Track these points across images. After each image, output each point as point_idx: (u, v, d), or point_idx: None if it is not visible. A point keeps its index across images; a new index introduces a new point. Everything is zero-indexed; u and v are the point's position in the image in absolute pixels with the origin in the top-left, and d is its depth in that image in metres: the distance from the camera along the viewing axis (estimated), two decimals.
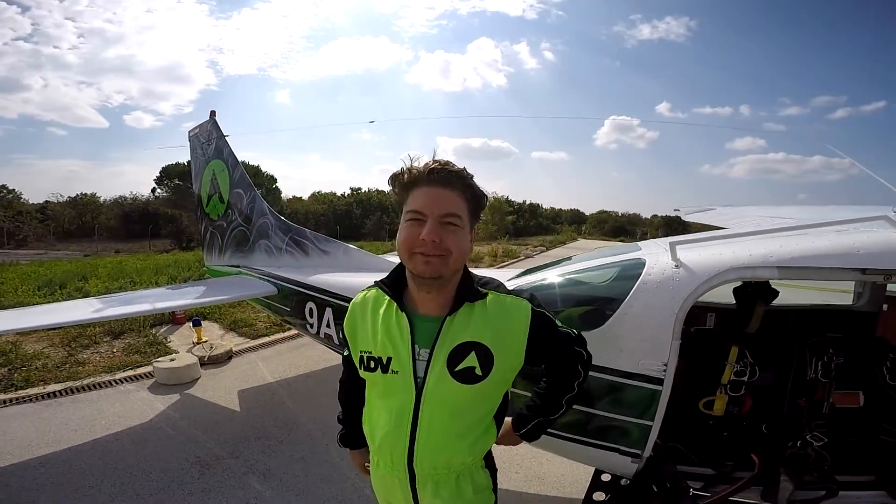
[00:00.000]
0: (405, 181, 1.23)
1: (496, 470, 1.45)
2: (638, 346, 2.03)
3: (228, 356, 6.02)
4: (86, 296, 8.55)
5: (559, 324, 1.42)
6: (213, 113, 5.78)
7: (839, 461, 2.27)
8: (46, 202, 38.07)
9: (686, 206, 6.42)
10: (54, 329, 6.50)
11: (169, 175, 30.70)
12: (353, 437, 1.61)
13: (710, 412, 2.55)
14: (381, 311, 1.35)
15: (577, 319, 2.28)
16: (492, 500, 1.43)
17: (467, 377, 1.26)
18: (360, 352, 1.36)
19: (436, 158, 1.23)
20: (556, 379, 1.50)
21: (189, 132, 6.18)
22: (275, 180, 36.66)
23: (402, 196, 1.25)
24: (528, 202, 51.71)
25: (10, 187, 37.89)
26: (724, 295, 2.71)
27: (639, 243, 2.74)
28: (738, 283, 2.71)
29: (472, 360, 1.26)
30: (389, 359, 1.29)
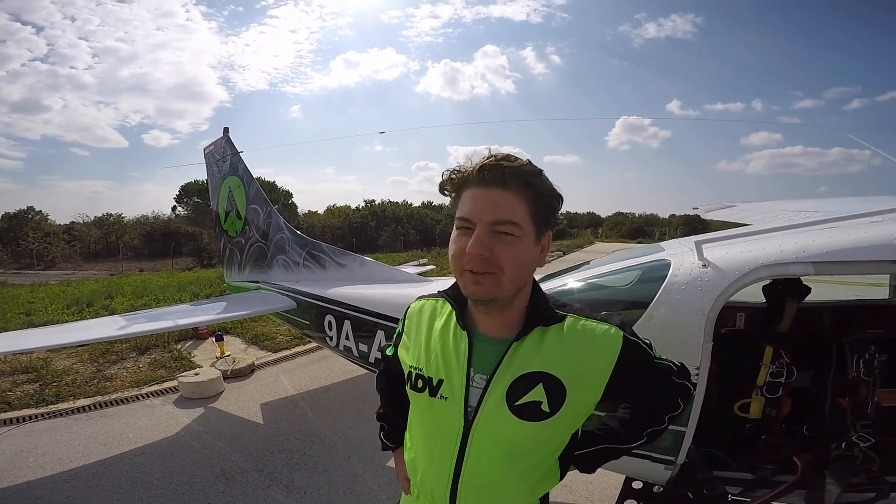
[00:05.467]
0: (456, 182, 1.06)
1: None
2: (667, 350, 1.94)
3: (251, 369, 6.07)
4: (112, 313, 8.76)
5: (656, 355, 1.19)
6: (226, 130, 5.87)
7: (888, 462, 2.16)
8: (73, 223, 39.14)
9: (704, 203, 6.31)
10: (83, 346, 6.66)
11: (188, 193, 31.37)
12: (397, 432, 1.41)
13: (746, 415, 2.45)
14: (439, 325, 1.19)
15: None
16: None
17: (531, 413, 1.06)
18: (410, 367, 1.20)
19: (493, 153, 1.04)
20: (645, 410, 1.28)
21: (204, 149, 6.28)
22: (290, 195, 37.13)
23: (454, 201, 1.08)
24: None
25: (38, 209, 39.24)
26: (750, 294, 2.63)
27: (661, 244, 2.68)
28: (768, 281, 2.62)
29: (538, 394, 1.06)
30: (440, 381, 1.12)
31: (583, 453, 1.25)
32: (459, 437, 1.10)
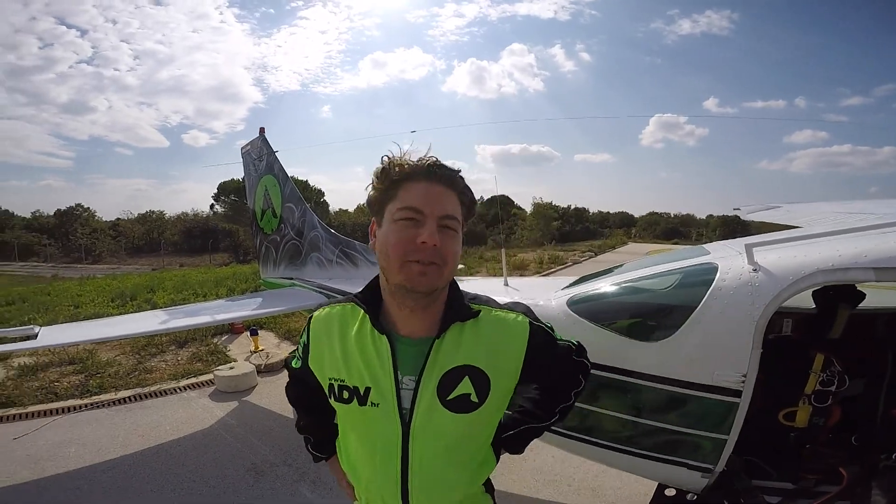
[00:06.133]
0: (397, 174, 1.05)
1: (493, 489, 1.33)
2: (712, 356, 1.88)
3: (284, 364, 6.18)
4: (154, 306, 9.13)
5: (558, 336, 1.27)
6: (262, 130, 5.99)
7: None
8: (118, 219, 41.14)
9: (745, 204, 6.05)
10: (126, 339, 6.95)
11: (225, 192, 32.33)
12: (326, 443, 1.42)
13: (791, 424, 2.34)
14: (352, 331, 1.16)
15: (641, 330, 2.16)
16: None
17: (462, 406, 1.10)
18: (329, 379, 1.16)
19: (430, 155, 1.06)
20: (553, 388, 1.35)
21: (241, 149, 6.44)
22: (322, 194, 37.87)
23: (387, 192, 1.06)
24: (573, 206, 50.47)
25: (85, 206, 41.48)
26: (798, 299, 2.50)
27: (705, 246, 2.58)
28: (819, 287, 2.48)
29: (466, 387, 1.10)
30: (368, 389, 1.11)
31: (509, 435, 1.33)
32: (400, 440, 1.12)
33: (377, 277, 1.17)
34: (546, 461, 3.68)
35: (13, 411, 4.81)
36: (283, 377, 5.80)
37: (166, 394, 5.35)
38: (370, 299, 1.17)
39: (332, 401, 1.18)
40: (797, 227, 3.22)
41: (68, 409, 4.90)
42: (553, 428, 2.39)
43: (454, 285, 1.18)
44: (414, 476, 1.13)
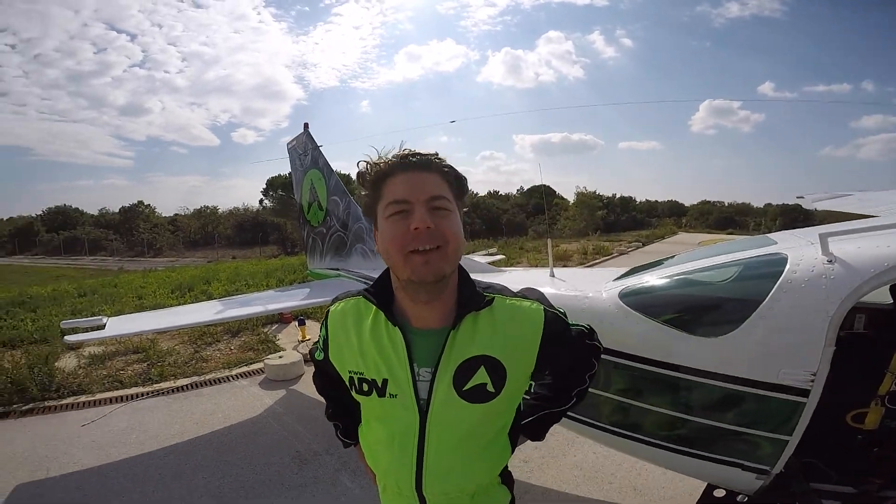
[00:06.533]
0: (375, 175, 1.08)
1: (513, 482, 1.30)
2: (779, 353, 1.78)
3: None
4: (209, 297, 9.61)
5: (570, 322, 1.26)
6: (306, 125, 6.15)
7: None
8: (175, 215, 43.69)
9: (809, 192, 5.68)
10: (185, 329, 7.35)
11: (273, 187, 33.48)
12: (352, 428, 1.42)
13: (859, 426, 2.20)
14: (367, 325, 1.17)
15: (699, 324, 2.06)
16: None
17: (478, 396, 1.11)
18: (349, 372, 1.19)
19: (404, 148, 1.09)
20: (568, 373, 1.35)
21: (287, 144, 6.62)
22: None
23: (373, 195, 1.10)
24: (618, 195, 48.79)
25: (146, 202, 44.21)
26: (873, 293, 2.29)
27: (771, 236, 2.43)
28: None
29: (482, 377, 1.10)
30: (385, 381, 1.13)
31: (528, 422, 1.35)
32: (417, 431, 1.13)
33: (388, 270, 1.18)
34: (587, 457, 3.60)
35: (83, 398, 5.17)
36: None
37: (219, 382, 5.61)
38: (381, 294, 1.18)
39: (353, 393, 1.20)
40: (873, 216, 2.96)
41: (132, 396, 5.22)
42: (598, 424, 2.34)
43: (464, 274, 1.17)
44: (428, 465, 1.14)
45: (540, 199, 43.13)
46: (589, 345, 1.33)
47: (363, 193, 1.13)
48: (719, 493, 2.23)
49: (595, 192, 37.17)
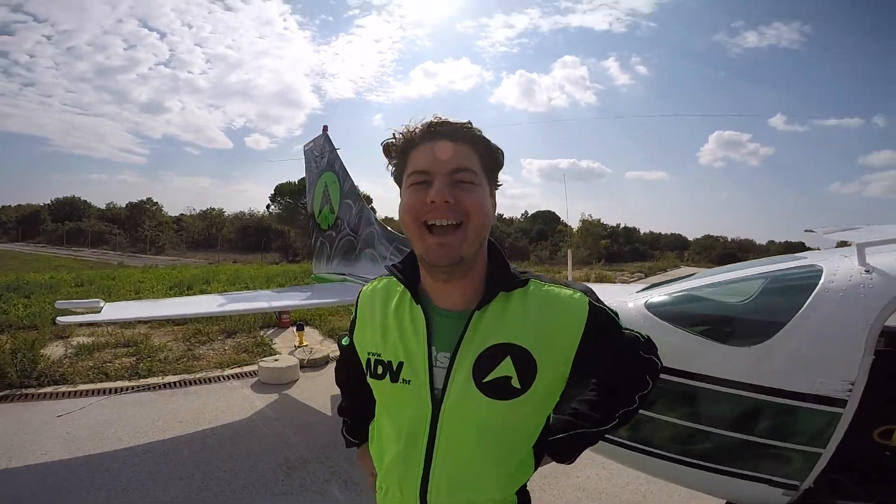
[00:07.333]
0: (401, 145, 1.01)
1: (530, 502, 1.11)
2: (815, 363, 1.74)
3: (325, 361, 6.18)
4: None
5: (623, 325, 1.10)
6: (325, 128, 6.16)
7: None
8: (181, 215, 43.83)
9: (817, 227, 5.64)
10: (182, 322, 7.20)
11: (281, 193, 33.63)
12: (361, 426, 1.30)
13: (887, 443, 2.12)
14: (392, 304, 1.09)
15: (731, 333, 2.00)
16: None
17: (500, 390, 0.97)
18: (368, 354, 1.10)
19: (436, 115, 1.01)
20: (614, 388, 1.17)
21: (304, 147, 6.63)
22: (370, 200, 38.70)
23: (400, 164, 1.03)
24: (622, 225, 48.83)
25: (154, 200, 44.46)
26: None
27: (803, 253, 2.38)
28: None
29: (507, 369, 0.97)
30: (401, 364, 1.02)
31: (557, 439, 1.13)
32: (428, 424, 1.00)
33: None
34: (590, 478, 3.41)
35: (63, 388, 4.97)
36: (325, 373, 5.81)
37: (210, 381, 5.43)
38: (407, 270, 1.08)
39: (368, 378, 1.10)
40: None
41: (116, 390, 5.03)
42: (613, 438, 2.19)
43: (495, 250, 1.06)
44: (437, 465, 1.00)
45: (544, 225, 43.25)
46: (645, 358, 1.15)
47: (391, 164, 1.06)
48: None
49: (599, 220, 37.27)
